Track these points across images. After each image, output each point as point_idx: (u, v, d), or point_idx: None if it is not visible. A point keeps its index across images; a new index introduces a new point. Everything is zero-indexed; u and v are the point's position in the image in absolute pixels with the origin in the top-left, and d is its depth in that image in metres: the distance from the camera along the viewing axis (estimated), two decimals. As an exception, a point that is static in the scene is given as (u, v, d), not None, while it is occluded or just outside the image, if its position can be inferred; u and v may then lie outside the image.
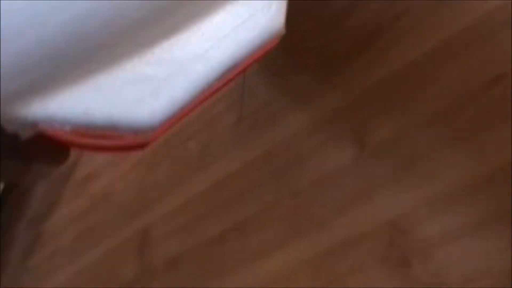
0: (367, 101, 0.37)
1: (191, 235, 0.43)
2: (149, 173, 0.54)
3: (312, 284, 0.32)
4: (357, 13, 0.40)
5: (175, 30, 0.22)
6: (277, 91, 0.51)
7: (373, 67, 0.38)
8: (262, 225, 0.37)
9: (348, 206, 0.33)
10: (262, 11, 0.22)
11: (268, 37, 0.22)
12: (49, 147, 0.23)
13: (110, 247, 0.51)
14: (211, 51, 0.22)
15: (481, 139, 0.30)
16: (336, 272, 0.31)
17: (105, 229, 0.53)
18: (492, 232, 0.27)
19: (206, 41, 0.22)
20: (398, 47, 0.37)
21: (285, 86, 0.51)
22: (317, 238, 0.33)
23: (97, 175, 0.61)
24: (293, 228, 0.35)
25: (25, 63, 0.19)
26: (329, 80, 0.44)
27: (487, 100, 0.30)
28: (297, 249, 0.34)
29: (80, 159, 0.65)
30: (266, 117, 0.48)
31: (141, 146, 0.22)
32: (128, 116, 0.21)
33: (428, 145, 0.31)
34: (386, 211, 0.31)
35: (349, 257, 0.31)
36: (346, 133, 0.35)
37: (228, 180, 0.44)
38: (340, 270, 0.31)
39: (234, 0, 0.23)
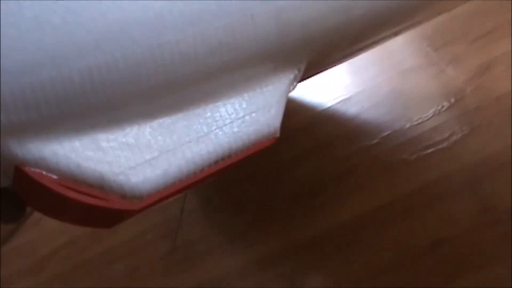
0: (304, 251, 0.40)
1: None
2: (66, 288, 0.52)
3: None
4: (304, 165, 0.45)
5: (182, 105, 0.23)
6: (214, 229, 0.53)
7: (312, 219, 0.42)
8: None
9: None
10: (263, 110, 0.25)
11: (264, 136, 0.24)
12: (9, 200, 0.22)
13: None
14: (211, 135, 0.23)
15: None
16: None
17: None
18: None
19: (209, 124, 0.23)
20: (341, 203, 0.41)
21: (222, 226, 0.53)
22: None
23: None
24: None
25: (35, 99, 0.19)
26: (266, 226, 0.47)
27: (428, 262, 0.34)
28: None
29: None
30: (200, 252, 0.49)
31: (125, 214, 0.21)
32: (120, 179, 0.21)
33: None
34: None
35: None
36: (280, 279, 0.38)
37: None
38: None
39: (240, 95, 0.25)
